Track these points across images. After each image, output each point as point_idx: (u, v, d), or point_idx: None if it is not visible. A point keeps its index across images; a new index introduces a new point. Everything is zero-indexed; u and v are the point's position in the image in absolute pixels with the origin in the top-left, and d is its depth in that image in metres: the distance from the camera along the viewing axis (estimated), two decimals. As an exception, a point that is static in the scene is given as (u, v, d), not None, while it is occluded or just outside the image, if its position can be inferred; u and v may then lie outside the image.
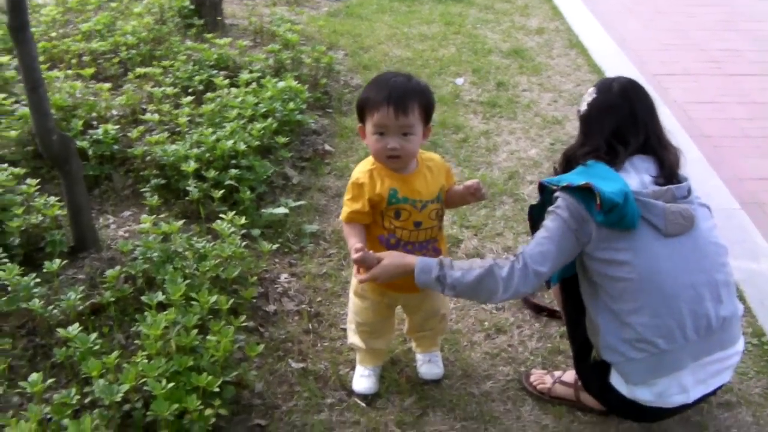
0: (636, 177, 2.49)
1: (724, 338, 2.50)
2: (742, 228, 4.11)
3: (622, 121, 2.56)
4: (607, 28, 7.50)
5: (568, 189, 2.45)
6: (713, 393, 2.57)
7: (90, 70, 4.79)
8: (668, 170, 2.53)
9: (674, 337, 2.41)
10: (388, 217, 2.59)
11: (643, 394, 2.47)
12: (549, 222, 2.46)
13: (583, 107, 2.65)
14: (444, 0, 8.27)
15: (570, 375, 2.87)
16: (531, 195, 4.32)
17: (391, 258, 2.50)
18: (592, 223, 2.41)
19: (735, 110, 5.68)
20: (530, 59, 6.52)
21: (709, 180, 4.57)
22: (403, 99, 2.48)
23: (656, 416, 2.63)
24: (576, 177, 2.46)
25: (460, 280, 2.43)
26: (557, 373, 2.92)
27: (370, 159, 2.63)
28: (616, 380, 2.51)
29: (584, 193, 2.40)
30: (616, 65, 6.31)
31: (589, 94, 2.65)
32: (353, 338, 2.92)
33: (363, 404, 2.85)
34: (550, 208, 2.49)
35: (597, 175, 2.42)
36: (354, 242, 2.53)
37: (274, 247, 3.52)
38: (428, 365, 2.99)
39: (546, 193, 2.60)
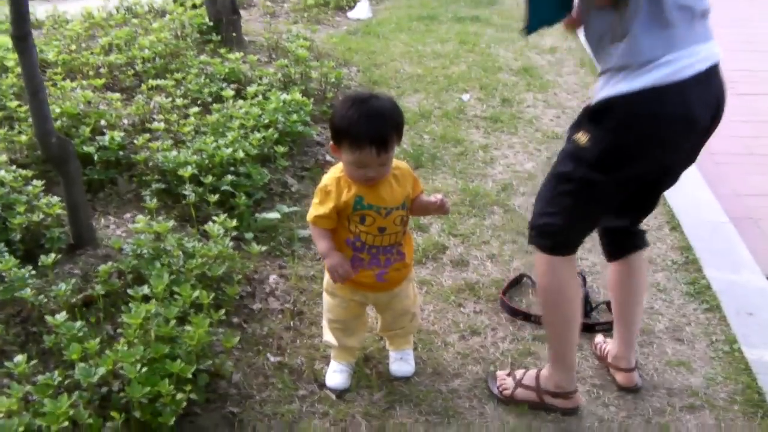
0: None
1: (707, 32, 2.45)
2: (727, 240, 4.21)
3: None
4: (620, 47, 7.59)
5: None
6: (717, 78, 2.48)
7: (101, 81, 5.02)
8: None
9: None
10: (354, 222, 2.74)
11: (656, 72, 2.34)
12: None
13: None
14: (462, 20, 8.46)
15: (530, 377, 2.96)
16: (522, 206, 4.45)
17: None
18: None
19: (742, 128, 5.76)
20: (539, 77, 6.66)
21: (699, 194, 4.67)
22: (385, 138, 2.57)
23: (678, 106, 2.38)
24: None
25: None
26: (518, 374, 3.01)
27: (339, 166, 2.75)
28: (623, 85, 2.39)
29: None
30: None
31: None
32: (327, 335, 3.06)
33: (333, 397, 2.99)
34: None
35: None
36: (340, 262, 2.72)
37: (264, 249, 3.68)
38: (399, 363, 3.12)
39: None
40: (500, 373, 3.07)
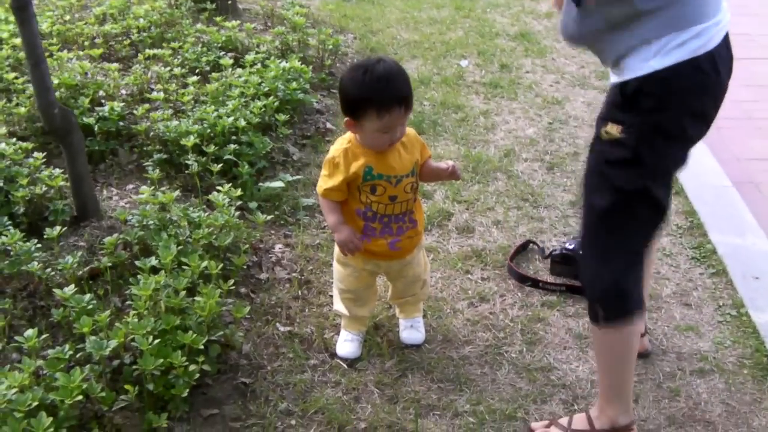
0: None
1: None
2: (731, 204, 4.20)
3: None
4: (617, 11, 7.54)
5: None
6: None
7: (98, 51, 4.97)
8: None
9: None
10: (365, 192, 2.72)
11: (691, 44, 2.17)
12: None
13: None
14: (457, -15, 8.38)
15: (581, 421, 2.65)
16: (524, 172, 4.43)
17: None
18: None
19: (740, 93, 5.70)
20: (536, 42, 6.61)
21: (702, 159, 4.64)
22: (408, 95, 2.60)
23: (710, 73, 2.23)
24: None
25: None
26: (563, 422, 2.69)
27: (347, 137, 2.74)
28: (655, 62, 2.19)
29: None
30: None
31: None
32: (338, 305, 3.05)
33: (344, 366, 2.98)
34: None
35: None
36: (350, 235, 2.72)
37: (270, 218, 3.66)
38: (410, 330, 3.12)
39: None
40: (537, 426, 2.72)
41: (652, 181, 2.31)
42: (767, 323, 3.26)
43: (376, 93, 2.53)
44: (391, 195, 2.71)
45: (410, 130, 2.82)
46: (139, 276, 2.91)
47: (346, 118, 2.65)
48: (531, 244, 3.77)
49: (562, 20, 2.36)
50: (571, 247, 3.54)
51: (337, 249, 2.91)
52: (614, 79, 2.31)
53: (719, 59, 2.23)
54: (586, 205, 2.44)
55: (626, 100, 2.26)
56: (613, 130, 2.27)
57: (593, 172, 2.41)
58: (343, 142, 2.73)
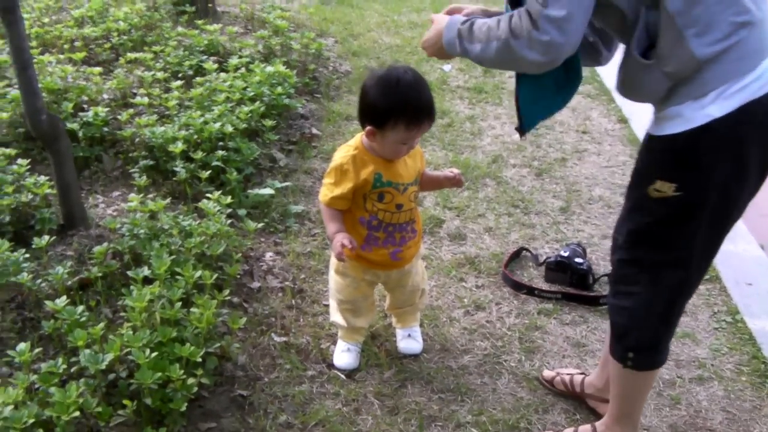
0: None
1: None
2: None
3: None
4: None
5: None
6: None
7: (81, 54, 4.88)
8: None
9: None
10: (371, 200, 2.67)
11: (753, 86, 1.95)
12: None
13: None
14: (435, -12, 8.36)
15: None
16: (513, 178, 4.41)
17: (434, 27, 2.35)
18: None
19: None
20: (518, 46, 6.59)
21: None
22: (434, 108, 2.58)
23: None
24: None
25: (481, 56, 2.18)
26: None
27: (352, 144, 2.69)
28: (714, 108, 1.96)
29: None
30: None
31: None
32: (335, 316, 3.00)
33: (343, 377, 2.93)
34: None
35: None
36: (342, 237, 2.60)
37: (260, 226, 3.60)
38: (408, 340, 3.07)
39: None
40: None
41: (708, 241, 2.15)
42: (763, 329, 3.26)
43: (410, 105, 2.48)
44: (398, 203, 2.67)
45: None
46: (131, 287, 2.83)
47: (368, 127, 2.56)
48: (524, 251, 3.74)
49: (619, 77, 2.14)
50: (565, 254, 3.52)
51: (334, 260, 2.85)
52: (663, 130, 2.07)
53: None
54: (631, 258, 2.28)
55: (680, 155, 2.04)
56: (665, 188, 2.06)
57: (642, 231, 2.21)
58: (348, 149, 2.67)
